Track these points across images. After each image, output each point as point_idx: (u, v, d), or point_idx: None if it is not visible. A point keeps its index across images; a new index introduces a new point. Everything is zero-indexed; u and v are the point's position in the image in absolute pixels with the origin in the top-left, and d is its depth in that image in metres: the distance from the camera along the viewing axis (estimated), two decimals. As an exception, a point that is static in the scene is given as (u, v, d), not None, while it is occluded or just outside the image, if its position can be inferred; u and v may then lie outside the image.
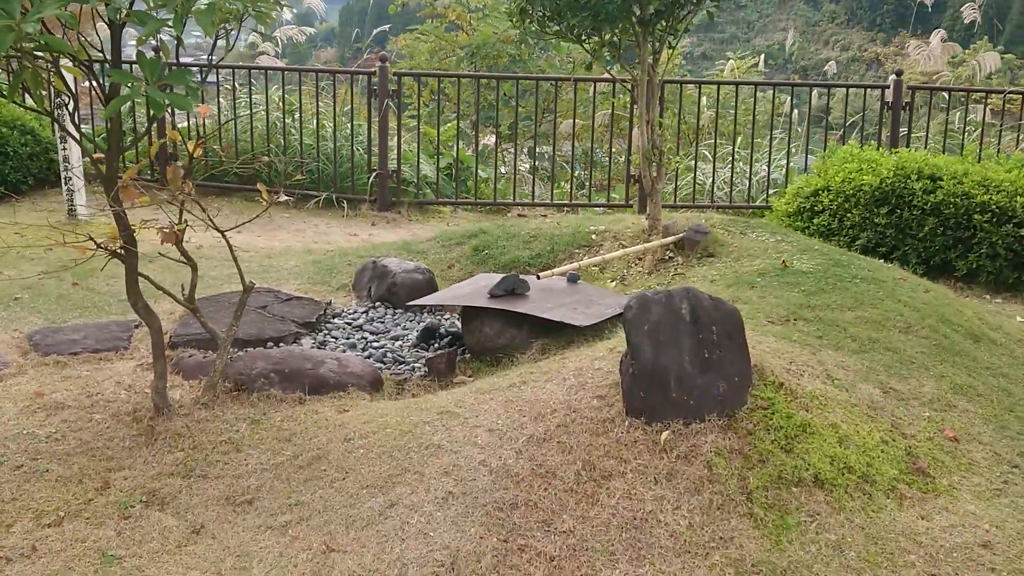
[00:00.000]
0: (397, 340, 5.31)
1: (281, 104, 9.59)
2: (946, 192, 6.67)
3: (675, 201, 9.74)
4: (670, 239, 5.69)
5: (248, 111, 9.80)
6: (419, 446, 3.58)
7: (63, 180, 8.09)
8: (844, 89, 9.85)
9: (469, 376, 4.67)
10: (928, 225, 6.67)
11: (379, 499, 3.35)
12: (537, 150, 10.69)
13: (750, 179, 9.81)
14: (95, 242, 3.80)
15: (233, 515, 3.45)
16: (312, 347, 5.13)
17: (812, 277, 4.99)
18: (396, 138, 9.30)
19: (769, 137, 9.77)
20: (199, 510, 3.48)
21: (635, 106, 5.86)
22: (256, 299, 5.63)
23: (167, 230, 3.87)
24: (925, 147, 9.64)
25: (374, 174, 9.34)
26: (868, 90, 10.05)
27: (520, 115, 10.84)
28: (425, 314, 5.76)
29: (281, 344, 5.11)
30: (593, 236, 6.22)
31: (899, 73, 9.77)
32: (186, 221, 4.08)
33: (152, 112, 3.76)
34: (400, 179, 9.41)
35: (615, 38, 5.77)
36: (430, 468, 3.44)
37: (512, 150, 11.76)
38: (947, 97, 10.52)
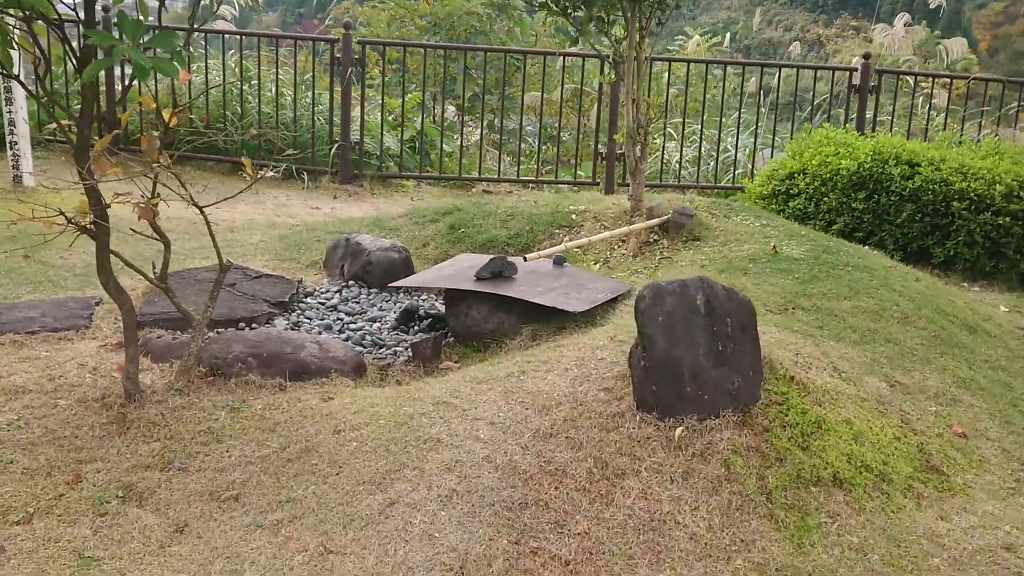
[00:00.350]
0: (375, 322, 5.09)
1: (238, 71, 9.22)
2: (924, 178, 6.63)
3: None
4: (655, 221, 5.55)
5: (203, 76, 9.42)
6: (417, 440, 3.39)
7: (8, 145, 7.67)
8: (812, 71, 9.77)
9: (455, 362, 4.48)
10: (906, 211, 6.62)
11: (377, 496, 3.16)
12: (502, 124, 10.45)
13: (717, 159, 9.71)
14: (65, 216, 3.52)
15: (219, 512, 3.23)
16: (286, 328, 4.89)
17: (804, 264, 4.88)
18: (359, 108, 9.01)
19: (737, 117, 9.67)
20: (181, 506, 3.26)
21: (621, 84, 5.67)
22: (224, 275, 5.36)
23: (143, 205, 3.60)
24: (890, 131, 9.64)
25: (335, 145, 9.04)
26: (834, 73, 9.96)
27: (485, 88, 10.61)
28: (402, 294, 5.55)
29: (254, 325, 4.86)
30: (573, 216, 6.04)
31: (867, 56, 9.73)
32: (159, 195, 3.82)
33: (135, 78, 3.47)
34: (363, 151, 9.13)
35: (603, 13, 5.58)
36: (430, 464, 3.25)
37: (475, 124, 11.52)
38: (912, 81, 10.53)
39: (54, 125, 9.33)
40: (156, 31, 3.13)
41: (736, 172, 9.84)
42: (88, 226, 3.66)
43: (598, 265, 5.46)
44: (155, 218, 3.76)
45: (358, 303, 5.34)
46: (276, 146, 7.57)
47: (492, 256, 4.87)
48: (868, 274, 4.85)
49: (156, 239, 3.95)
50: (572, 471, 3.14)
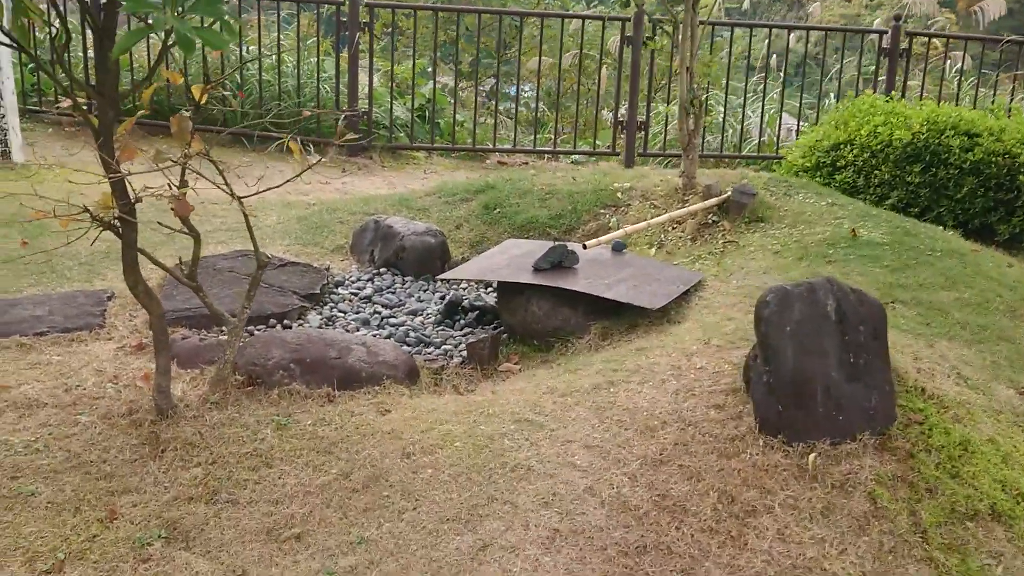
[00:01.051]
0: (416, 315, 4.64)
1: (236, 35, 8.64)
2: (985, 150, 6.21)
3: (664, 149, 9.16)
4: (713, 201, 5.10)
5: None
6: (503, 467, 2.96)
7: (-5, 118, 7.10)
8: (841, 34, 9.31)
9: (515, 363, 4.04)
10: (967, 185, 6.21)
11: (466, 538, 2.73)
12: (514, 91, 9.91)
13: (742, 129, 9.25)
14: (90, 213, 3.04)
15: (280, 556, 2.79)
16: (320, 324, 4.44)
17: (889, 249, 4.47)
18: (368, 76, 8.47)
19: (764, 83, 9.20)
20: (235, 548, 2.82)
21: (675, 50, 5.19)
22: (245, 264, 4.89)
23: (178, 198, 3.13)
24: (920, 96, 9.21)
25: (343, 115, 8.50)
26: (864, 36, 9.50)
27: (501, 51, 10.07)
28: (437, 282, 5.09)
29: (286, 321, 4.41)
30: (619, 195, 5.59)
31: (897, 18, 9.28)
32: (187, 182, 3.35)
33: (180, 52, 2.98)
34: (372, 121, 8.61)
35: (656, -28, 5.10)
36: (523, 496, 2.83)
37: (480, 92, 10.99)
38: (942, 45, 10.09)
39: (46, 97, 8.83)
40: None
41: (761, 141, 9.38)
42: (113, 222, 3.18)
43: (653, 249, 5.02)
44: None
45: (393, 293, 4.88)
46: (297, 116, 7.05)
47: (551, 244, 4.41)
48: (958, 260, 4.45)
49: (185, 232, 3.48)
50: (693, 507, 2.72)
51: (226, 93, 7.71)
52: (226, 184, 3.33)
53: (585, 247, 4.40)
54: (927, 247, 4.55)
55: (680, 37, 5.17)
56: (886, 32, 9.14)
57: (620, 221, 5.35)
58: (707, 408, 3.03)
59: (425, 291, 4.96)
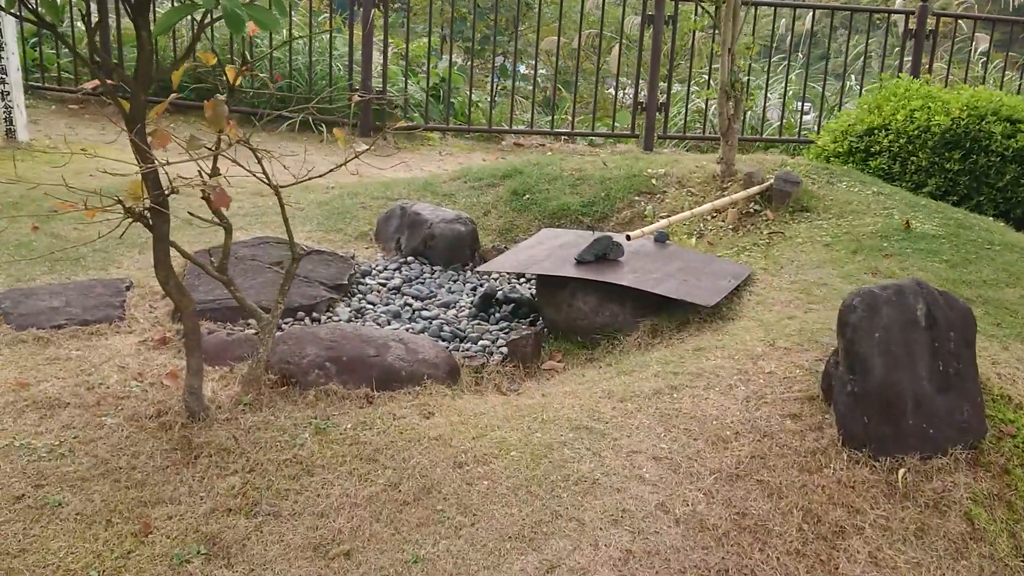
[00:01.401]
0: (448, 307, 4.44)
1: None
2: (1029, 137, 6.01)
3: (684, 131, 8.95)
4: (755, 189, 4.90)
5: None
6: (564, 479, 2.76)
7: None
8: (867, 14, 9.08)
9: (559, 361, 3.85)
10: (1009, 173, 6.01)
11: (531, 558, 2.54)
12: (536, 71, 9.65)
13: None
14: (123, 206, 2.82)
15: (329, 574, 2.60)
16: (349, 316, 4.24)
17: (946, 242, 4.27)
18: (383, 54, 8.22)
19: (787, 65, 8.96)
20: (281, 566, 2.62)
21: (716, 31, 4.97)
22: (267, 252, 4.68)
23: (216, 190, 2.91)
24: (946, 78, 9.00)
25: (356, 94, 8.26)
26: (889, 16, 9.26)
27: (518, 26, 9.82)
28: (469, 272, 4.88)
29: (314, 314, 4.20)
30: (653, 181, 5.38)
31: (924, -2, 9.05)
32: (217, 169, 3.13)
33: (201, 30, 2.75)
34: (383, 101, 8.37)
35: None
36: (590, 513, 2.64)
37: (486, 71, 10.74)
38: (967, 27, 9.87)
39: (50, 74, 8.54)
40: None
41: (780, 124, 9.15)
42: (144, 214, 2.96)
43: (693, 239, 4.81)
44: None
45: (423, 284, 4.67)
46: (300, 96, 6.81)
47: (590, 234, 4.21)
48: (1020, 254, 4.25)
49: (216, 223, 3.27)
50: (777, 527, 2.53)
51: (262, 75, 7.46)
52: (264, 173, 3.12)
53: (629, 238, 4.19)
54: (984, 240, 4.36)
55: (722, 17, 4.94)
56: (912, 13, 8.92)
57: (656, 209, 5.15)
58: (782, 417, 2.84)
59: (455, 281, 4.75)
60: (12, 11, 2.46)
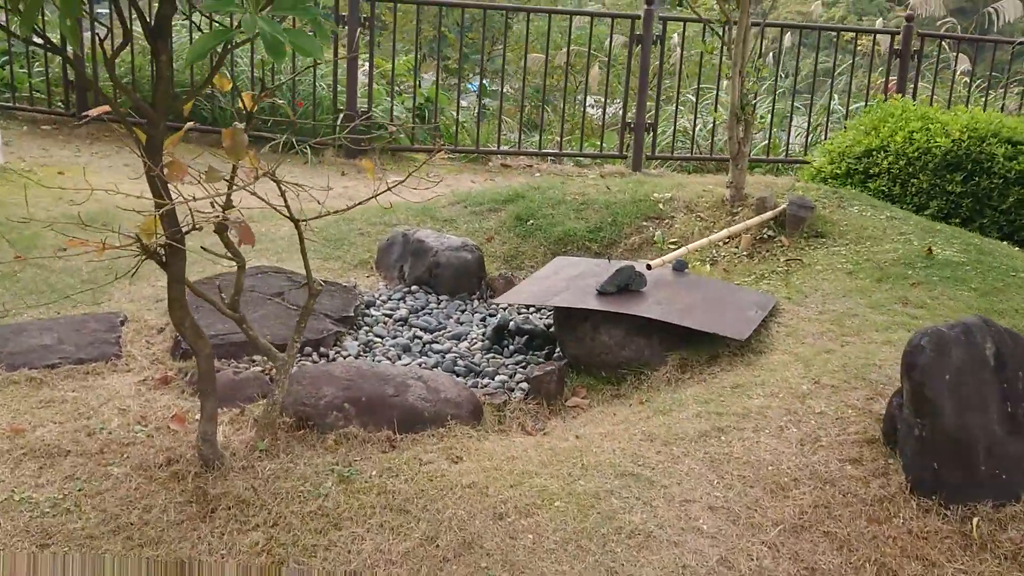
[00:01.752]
0: (459, 340, 4.26)
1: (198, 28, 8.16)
2: (1030, 159, 5.97)
3: (672, 152, 8.86)
4: (769, 215, 4.78)
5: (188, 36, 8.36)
6: (616, 531, 2.60)
7: (-27, 116, 6.58)
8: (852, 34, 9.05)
9: (584, 398, 3.69)
10: (1012, 196, 5.95)
11: (589, 621, 2.37)
12: (512, 90, 9.52)
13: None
14: (141, 244, 2.63)
15: (370, 643, 2.41)
16: (358, 351, 4.05)
17: (971, 270, 4.18)
18: (368, 75, 8.05)
19: (773, 84, 8.92)
20: (316, 634, 2.43)
21: (729, 51, 4.85)
22: (266, 283, 4.48)
23: (240, 225, 2.73)
24: (931, 98, 9.00)
25: (341, 115, 8.08)
26: (875, 36, 9.25)
27: (494, 53, 9.69)
28: (475, 301, 4.71)
29: (321, 348, 4.01)
30: (660, 206, 5.25)
31: (909, 19, 9.05)
32: (231, 202, 2.96)
33: (223, 56, 2.57)
34: (371, 122, 8.19)
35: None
36: (647, 569, 2.47)
37: (474, 90, 10.60)
38: (948, 47, 9.90)
39: (23, 94, 8.26)
40: (284, -10, 2.23)
41: (767, 144, 9.09)
42: (158, 252, 2.77)
43: (708, 267, 4.68)
44: (227, 231, 2.91)
45: (431, 315, 4.49)
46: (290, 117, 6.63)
47: (605, 262, 4.07)
48: (1045, 282, 4.17)
49: (228, 258, 3.09)
50: (851, 584, 2.38)
51: (280, 101, 7.24)
52: (289, 213, 2.94)
53: (650, 267, 4.05)
54: (1007, 267, 4.27)
55: (732, 39, 4.83)
56: (898, 33, 8.92)
57: (665, 235, 5.01)
58: (842, 462, 2.70)
59: (463, 312, 4.58)
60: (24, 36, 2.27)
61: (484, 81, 9.20)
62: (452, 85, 11.82)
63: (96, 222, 5.56)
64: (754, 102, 4.96)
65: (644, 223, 5.15)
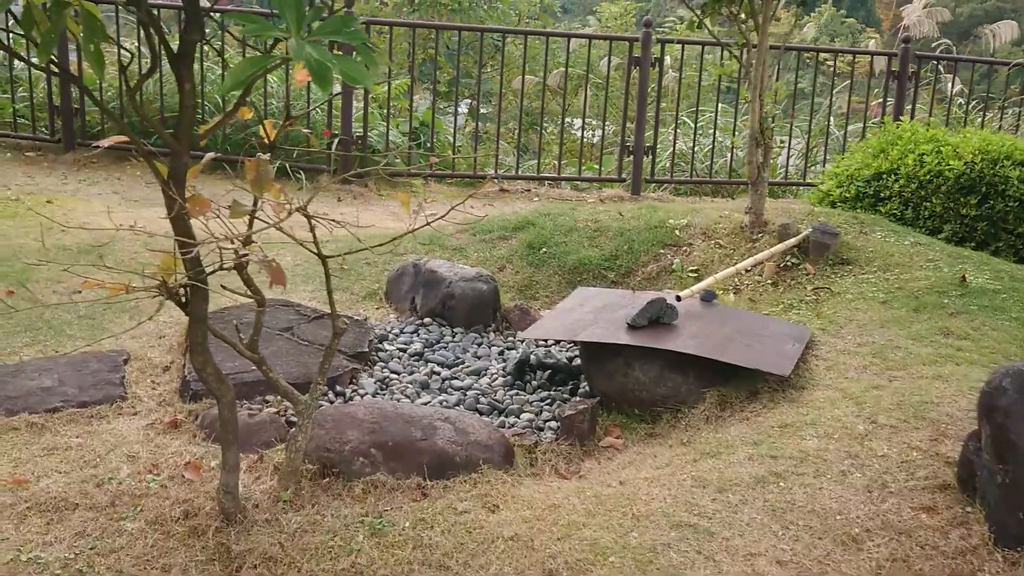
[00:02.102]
0: (479, 375, 4.08)
1: (219, 54, 7.98)
2: (1046, 182, 5.88)
3: (671, 174, 8.74)
4: (792, 242, 4.64)
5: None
6: (680, 591, 2.42)
7: (-42, 144, 6.35)
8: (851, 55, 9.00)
9: (618, 438, 3.51)
10: (1028, 219, 5.87)
11: None
12: (521, 116, 9.37)
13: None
14: (164, 284, 2.44)
15: None
16: (375, 389, 3.86)
17: (1007, 298, 4.05)
18: (363, 99, 7.89)
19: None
20: None
21: (746, 73, 4.73)
22: (274, 317, 4.28)
23: (273, 266, 2.55)
24: (928, 119, 8.94)
25: (335, 140, 7.90)
26: (872, 57, 9.19)
27: (485, 76, 9.57)
28: (491, 334, 4.54)
29: (337, 387, 3.81)
30: (677, 232, 5.10)
31: (907, 40, 9.00)
32: (255, 240, 2.78)
33: (252, 81, 2.39)
34: (366, 146, 8.01)
35: (729, -10, 4.64)
36: (718, 633, 2.29)
37: (466, 113, 10.47)
38: (940, 67, 9.86)
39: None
40: (328, 14, 2.06)
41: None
42: (179, 293, 2.58)
43: (732, 296, 4.53)
44: (245, 269, 2.72)
45: (447, 349, 4.31)
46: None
47: (631, 293, 3.91)
48: (1084, 310, 4.04)
49: (246, 295, 2.90)
50: (941, 647, 2.22)
51: (306, 131, 7.05)
52: (318, 250, 2.77)
53: (679, 299, 3.89)
54: (1044, 294, 4.15)
55: (754, 61, 4.71)
56: (895, 55, 8.86)
57: (684, 263, 4.86)
58: (915, 511, 2.53)
59: (480, 345, 4.40)
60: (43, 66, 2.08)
61: (476, 103, 9.05)
62: (444, 109, 11.72)
63: (91, 253, 5.34)
64: (772, 126, 4.82)
65: (661, 251, 5.00)
